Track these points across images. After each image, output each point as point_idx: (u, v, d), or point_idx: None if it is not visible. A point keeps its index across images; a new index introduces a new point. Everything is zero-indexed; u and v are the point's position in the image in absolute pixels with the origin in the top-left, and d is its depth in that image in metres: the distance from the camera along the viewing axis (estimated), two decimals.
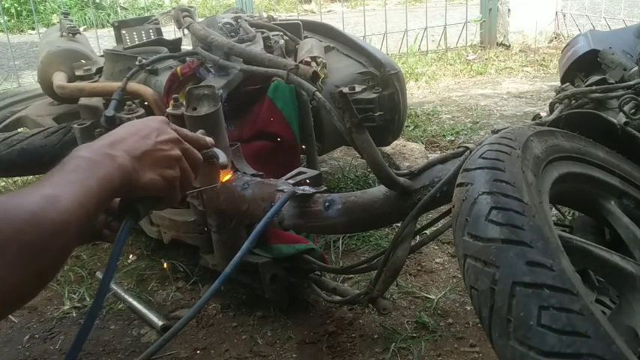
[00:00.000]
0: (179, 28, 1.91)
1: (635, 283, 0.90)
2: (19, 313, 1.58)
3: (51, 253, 0.59)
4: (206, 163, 0.91)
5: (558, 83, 2.00)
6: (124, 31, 2.19)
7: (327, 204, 1.23)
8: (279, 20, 2.32)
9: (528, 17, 4.40)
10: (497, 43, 4.55)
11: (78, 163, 0.68)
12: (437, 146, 2.68)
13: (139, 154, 0.75)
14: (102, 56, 2.02)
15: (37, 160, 1.79)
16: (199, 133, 0.95)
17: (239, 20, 1.98)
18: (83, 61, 2.04)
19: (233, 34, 1.88)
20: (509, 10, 4.44)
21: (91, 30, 4.78)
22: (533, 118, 1.43)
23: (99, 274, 1.73)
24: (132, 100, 1.62)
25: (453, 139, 2.73)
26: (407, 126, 2.82)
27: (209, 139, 0.93)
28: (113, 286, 1.65)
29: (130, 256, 1.84)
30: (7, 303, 0.56)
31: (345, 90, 1.88)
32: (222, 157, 0.94)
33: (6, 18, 6.26)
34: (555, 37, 4.52)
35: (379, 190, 1.24)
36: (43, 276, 0.61)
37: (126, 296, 1.61)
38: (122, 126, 0.80)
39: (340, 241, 1.84)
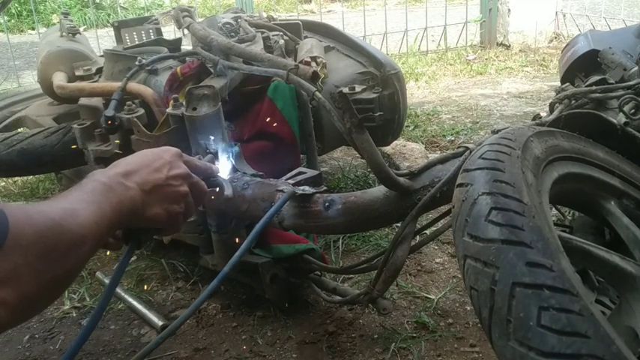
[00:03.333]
0: (179, 28, 1.91)
1: (635, 283, 0.90)
2: None
3: (68, 262, 0.62)
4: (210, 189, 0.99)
5: (558, 83, 2.00)
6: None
7: (327, 204, 1.23)
8: (279, 20, 2.32)
9: (528, 17, 4.40)
10: (497, 43, 4.55)
11: (95, 186, 0.71)
12: (437, 146, 2.68)
13: (149, 188, 0.79)
14: (102, 56, 2.01)
15: (37, 160, 1.79)
16: (208, 160, 1.03)
17: (239, 20, 1.98)
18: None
19: (233, 34, 1.88)
20: (509, 10, 4.44)
21: (91, 30, 4.78)
22: (533, 118, 1.43)
23: (99, 275, 1.73)
24: (132, 100, 1.62)
25: (453, 139, 2.73)
26: (407, 126, 2.82)
27: (215, 168, 1.01)
28: None
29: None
30: (22, 308, 0.57)
31: (345, 90, 1.88)
32: (227, 188, 1.02)
33: (6, 18, 6.26)
34: (555, 37, 4.51)
35: (379, 190, 1.24)
36: (58, 285, 0.63)
37: (126, 296, 1.61)
38: (137, 154, 0.85)
39: (340, 241, 1.84)
